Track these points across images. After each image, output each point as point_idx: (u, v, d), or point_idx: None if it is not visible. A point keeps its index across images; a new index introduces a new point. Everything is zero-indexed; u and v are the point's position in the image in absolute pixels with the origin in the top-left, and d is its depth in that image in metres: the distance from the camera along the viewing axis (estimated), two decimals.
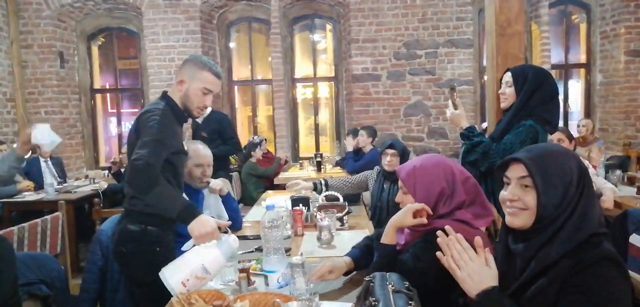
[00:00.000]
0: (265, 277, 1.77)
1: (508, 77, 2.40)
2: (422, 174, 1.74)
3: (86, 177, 6.03)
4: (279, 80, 6.83)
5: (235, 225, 2.85)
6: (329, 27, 7.32)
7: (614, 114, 6.65)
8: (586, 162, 3.60)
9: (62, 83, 6.69)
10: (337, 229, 2.68)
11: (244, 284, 1.82)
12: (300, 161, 6.74)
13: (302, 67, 7.47)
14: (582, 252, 1.19)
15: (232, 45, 7.37)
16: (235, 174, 5.66)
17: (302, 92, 7.56)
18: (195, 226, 1.88)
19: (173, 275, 1.70)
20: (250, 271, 1.92)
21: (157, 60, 6.61)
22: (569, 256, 1.20)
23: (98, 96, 7.35)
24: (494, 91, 2.96)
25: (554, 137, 3.43)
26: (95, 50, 7.23)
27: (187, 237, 1.97)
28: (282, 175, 5.80)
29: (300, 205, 2.87)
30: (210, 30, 6.88)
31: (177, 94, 2.16)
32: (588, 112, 6.99)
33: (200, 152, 2.68)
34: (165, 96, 2.19)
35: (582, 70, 7.09)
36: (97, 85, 7.30)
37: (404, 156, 3.34)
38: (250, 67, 7.42)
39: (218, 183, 2.85)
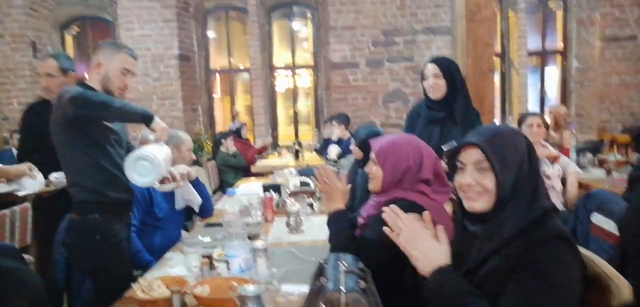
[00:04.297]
0: (227, 262, 1.76)
1: (435, 69, 2.41)
2: (393, 150, 1.78)
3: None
4: (257, 68, 6.78)
5: (206, 212, 2.83)
6: (309, 14, 7.27)
7: (589, 99, 6.74)
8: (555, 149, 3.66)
9: (35, 73, 6.55)
10: (308, 215, 2.67)
11: (206, 270, 1.80)
12: (278, 149, 6.72)
13: (281, 56, 7.43)
14: (533, 230, 1.19)
15: (209, 34, 7.29)
16: (211, 163, 5.62)
17: (283, 82, 7.52)
18: (155, 126, 2.04)
19: (156, 152, 1.97)
20: (216, 256, 1.91)
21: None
22: (521, 235, 1.20)
23: None
24: (466, 76, 2.96)
25: (534, 121, 3.44)
26: (69, 40, 7.09)
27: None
28: (260, 163, 5.78)
29: (271, 192, 2.86)
30: (186, 18, 6.79)
31: (95, 77, 2.15)
32: (564, 98, 7.08)
33: (187, 137, 2.90)
34: (80, 82, 2.20)
35: (559, 57, 7.17)
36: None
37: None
38: (228, 56, 7.35)
39: (184, 168, 2.82)
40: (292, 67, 7.36)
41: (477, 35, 2.89)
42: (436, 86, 2.40)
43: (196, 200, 2.76)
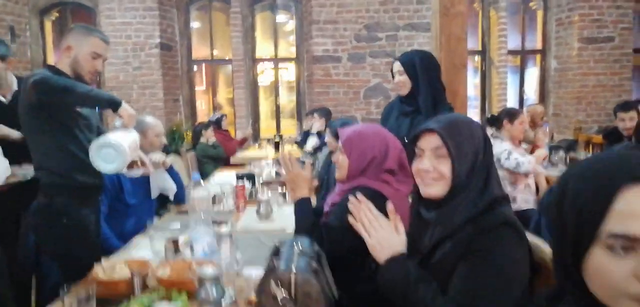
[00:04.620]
0: (191, 246, 1.77)
1: (399, 67, 2.46)
2: (360, 139, 1.82)
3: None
4: (239, 60, 6.76)
5: (180, 199, 2.83)
6: (292, 7, 7.26)
7: (566, 100, 6.85)
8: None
9: (13, 59, 6.38)
10: (280, 204, 2.69)
11: (170, 253, 1.82)
12: (259, 141, 6.72)
13: (264, 48, 7.41)
14: (482, 217, 1.23)
15: (192, 24, 7.25)
16: (191, 153, 5.60)
17: (265, 74, 7.51)
18: (122, 111, 2.03)
19: (121, 140, 1.96)
20: (182, 241, 1.92)
21: (113, 37, 6.41)
22: (471, 221, 1.24)
23: None
24: None
25: (525, 119, 3.67)
26: (48, 26, 6.96)
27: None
28: (240, 154, 5.77)
29: (245, 181, 2.87)
30: (168, 7, 6.73)
31: (64, 60, 2.13)
32: (542, 97, 7.18)
33: (156, 122, 2.88)
34: (49, 66, 2.20)
35: (538, 56, 7.27)
36: (50, 62, 7.04)
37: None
38: (211, 47, 7.31)
39: (160, 156, 2.82)
40: (275, 59, 7.35)
41: (451, 30, 2.92)
42: (400, 83, 2.46)
43: (171, 187, 2.77)
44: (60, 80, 1.97)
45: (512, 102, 7.11)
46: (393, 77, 2.53)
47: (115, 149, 1.95)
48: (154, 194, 2.73)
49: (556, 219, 0.74)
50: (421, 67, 2.37)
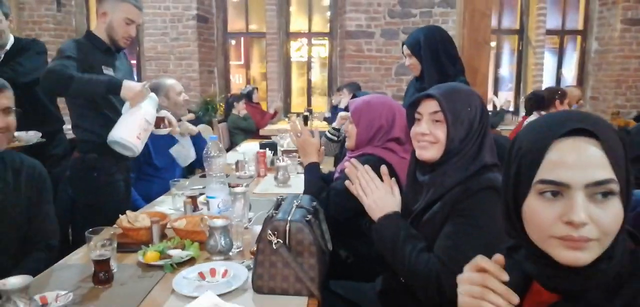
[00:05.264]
0: (207, 202, 1.90)
1: (406, 50, 2.45)
2: (368, 110, 1.90)
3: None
4: (273, 33, 6.86)
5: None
6: None
7: (605, 82, 6.63)
8: None
9: (59, 27, 6.76)
10: (298, 173, 2.80)
11: (188, 209, 1.95)
12: (289, 115, 6.84)
13: (299, 22, 7.48)
14: (470, 181, 1.30)
15: None
16: (222, 125, 5.78)
17: (299, 51, 7.58)
18: (126, 92, 2.08)
19: (128, 132, 2.05)
20: (201, 200, 2.06)
21: (152, 8, 6.64)
22: (461, 184, 1.31)
23: None
24: (461, 47, 3.01)
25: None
26: None
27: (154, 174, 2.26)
28: (269, 127, 5.91)
29: (267, 149, 2.99)
30: None
31: (101, 26, 2.28)
32: (581, 80, 6.97)
33: (174, 81, 2.95)
34: (87, 32, 2.34)
35: (578, 37, 7.04)
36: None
37: None
38: (246, 20, 7.44)
39: (191, 128, 2.98)
40: (309, 34, 7.41)
41: (475, 6, 2.92)
42: (411, 66, 2.46)
43: (190, 155, 2.92)
44: (62, 72, 2.00)
45: (548, 84, 6.93)
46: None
47: (122, 145, 2.10)
48: (185, 163, 2.90)
49: (504, 172, 0.82)
50: (425, 45, 2.35)
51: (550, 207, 0.73)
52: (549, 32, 6.87)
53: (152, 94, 2.20)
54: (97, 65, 2.24)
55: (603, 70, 6.68)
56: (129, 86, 2.09)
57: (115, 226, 1.73)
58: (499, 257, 0.79)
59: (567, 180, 0.71)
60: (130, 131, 2.10)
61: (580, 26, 7.00)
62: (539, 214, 0.74)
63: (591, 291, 0.74)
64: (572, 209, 0.71)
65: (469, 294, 0.80)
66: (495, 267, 0.78)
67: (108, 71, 2.27)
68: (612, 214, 0.72)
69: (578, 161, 0.72)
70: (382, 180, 1.45)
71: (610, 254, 0.74)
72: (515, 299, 0.76)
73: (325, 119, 6.45)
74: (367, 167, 1.47)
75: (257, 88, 6.37)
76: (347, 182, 1.48)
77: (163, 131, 2.37)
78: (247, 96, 6.26)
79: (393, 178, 1.46)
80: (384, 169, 1.45)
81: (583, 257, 0.72)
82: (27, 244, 1.70)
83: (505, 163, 0.82)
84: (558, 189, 0.72)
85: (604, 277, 0.74)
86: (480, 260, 0.80)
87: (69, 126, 2.41)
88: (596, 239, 0.71)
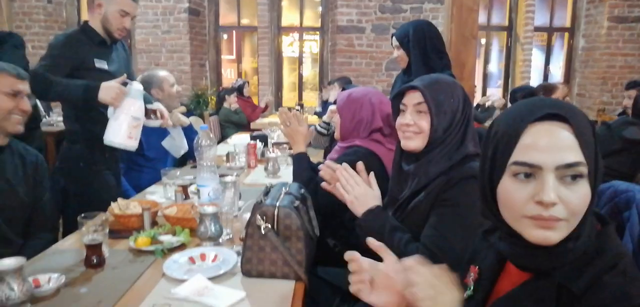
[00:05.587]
0: (198, 191, 1.93)
1: (394, 41, 2.50)
2: (350, 102, 1.96)
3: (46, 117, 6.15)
4: (265, 27, 6.87)
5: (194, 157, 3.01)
6: None
7: (592, 80, 6.74)
8: None
9: (49, 18, 6.73)
10: (288, 164, 2.83)
11: (179, 197, 1.99)
12: (280, 109, 6.87)
13: (290, 17, 7.50)
14: (453, 170, 1.34)
15: None
16: (214, 118, 5.80)
17: (290, 46, 7.60)
18: (104, 95, 2.07)
19: (118, 136, 2.06)
20: (191, 189, 2.09)
21: (144, 1, 6.63)
22: (444, 174, 1.35)
23: None
24: (448, 42, 3.06)
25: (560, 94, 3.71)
26: None
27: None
28: (260, 121, 5.94)
29: (257, 141, 3.02)
30: None
31: (96, 17, 2.29)
32: (568, 77, 7.07)
33: (167, 73, 2.98)
34: (84, 23, 2.35)
35: (566, 35, 7.13)
36: None
37: None
38: (237, 14, 7.44)
39: (184, 119, 3.00)
40: (300, 29, 7.43)
41: (463, 1, 2.96)
42: (398, 58, 2.50)
43: (183, 146, 2.94)
44: (43, 77, 2.05)
45: (536, 81, 7.02)
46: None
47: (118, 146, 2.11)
48: (178, 154, 2.92)
49: (482, 154, 0.87)
50: (413, 38, 2.39)
51: (523, 188, 0.77)
52: (537, 29, 6.96)
53: (136, 86, 2.17)
54: (88, 59, 2.25)
55: (590, 67, 6.79)
56: (106, 90, 2.07)
57: (107, 213, 1.75)
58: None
59: (539, 162, 0.75)
60: (120, 134, 2.08)
61: (567, 23, 7.09)
62: (512, 195, 0.78)
63: (560, 269, 0.79)
64: (543, 189, 0.75)
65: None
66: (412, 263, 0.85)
67: (101, 64, 2.28)
68: (580, 195, 0.76)
69: (550, 144, 0.76)
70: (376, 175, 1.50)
71: (578, 233, 0.78)
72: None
73: (316, 114, 6.48)
74: (345, 164, 1.51)
75: (248, 82, 6.40)
76: (323, 184, 1.53)
77: (155, 123, 2.39)
78: (239, 90, 6.28)
79: (371, 173, 1.51)
80: (360, 165, 1.51)
81: (552, 236, 0.76)
82: (31, 227, 1.82)
83: (483, 146, 0.86)
84: (531, 171, 0.76)
85: (571, 255, 0.78)
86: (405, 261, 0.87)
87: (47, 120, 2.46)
88: (565, 219, 0.76)
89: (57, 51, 2.14)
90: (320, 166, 1.58)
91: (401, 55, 2.47)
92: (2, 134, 1.75)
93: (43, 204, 1.87)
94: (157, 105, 2.41)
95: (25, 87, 1.77)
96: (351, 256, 1.04)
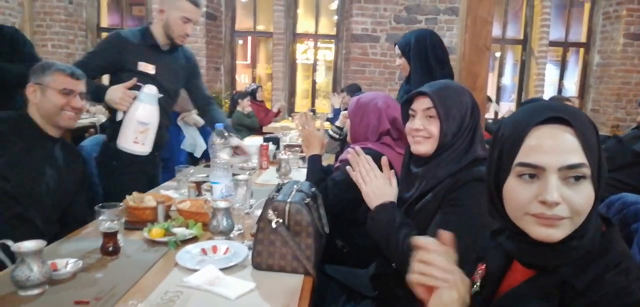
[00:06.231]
0: (211, 188, 1.97)
1: (397, 50, 2.50)
2: (358, 107, 2.01)
3: (87, 111, 6.27)
4: (280, 33, 6.94)
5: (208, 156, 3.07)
6: None
7: (606, 96, 6.70)
8: None
9: (70, 19, 6.87)
10: (299, 167, 2.87)
11: (192, 193, 2.03)
12: (293, 114, 6.93)
13: (306, 25, 7.57)
14: (460, 173, 1.37)
15: None
16: (227, 121, 5.86)
17: (305, 53, 7.66)
18: (110, 97, 2.12)
19: (122, 140, 2.12)
20: (204, 187, 2.13)
21: None
22: (452, 176, 1.38)
23: (104, 35, 7.51)
24: (462, 53, 3.07)
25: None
26: None
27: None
28: (272, 125, 5.99)
29: (270, 143, 3.07)
30: None
31: (158, 23, 2.32)
32: (582, 92, 7.04)
33: None
34: (143, 28, 2.38)
35: (581, 50, 7.11)
36: (103, 24, 7.46)
37: None
38: (254, 20, 7.53)
39: (198, 120, 3.06)
40: (315, 36, 7.49)
41: (477, 12, 2.97)
42: (400, 66, 2.50)
43: (199, 144, 3.00)
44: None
45: (549, 96, 7.00)
46: None
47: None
48: (191, 149, 2.98)
49: (489, 155, 0.89)
50: (415, 48, 2.39)
51: (527, 188, 0.80)
52: (552, 43, 6.95)
53: (147, 90, 2.16)
54: (131, 62, 2.26)
55: (604, 83, 6.75)
56: (111, 95, 2.10)
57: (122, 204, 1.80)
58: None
59: (542, 163, 0.78)
60: (125, 138, 2.13)
61: (583, 39, 7.07)
62: (517, 194, 0.81)
63: (564, 267, 0.81)
64: (546, 189, 0.77)
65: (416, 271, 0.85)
66: (427, 241, 0.85)
67: (146, 68, 2.28)
68: (583, 195, 0.78)
69: (554, 146, 0.78)
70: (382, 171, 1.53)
71: (582, 232, 0.80)
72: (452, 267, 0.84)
73: (328, 120, 6.53)
74: (368, 157, 1.54)
75: (261, 86, 6.46)
76: (348, 168, 1.55)
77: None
78: (252, 94, 6.35)
79: (392, 170, 1.54)
80: (384, 160, 1.53)
81: (555, 233, 0.79)
82: (67, 217, 1.92)
83: (490, 147, 0.89)
84: (534, 172, 0.79)
85: (575, 253, 0.80)
86: (415, 239, 0.87)
87: None
88: (568, 218, 0.78)
89: (94, 49, 2.20)
90: (349, 150, 1.63)
91: (403, 64, 2.48)
92: (55, 128, 1.87)
93: (81, 199, 1.99)
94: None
95: (78, 86, 1.87)
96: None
